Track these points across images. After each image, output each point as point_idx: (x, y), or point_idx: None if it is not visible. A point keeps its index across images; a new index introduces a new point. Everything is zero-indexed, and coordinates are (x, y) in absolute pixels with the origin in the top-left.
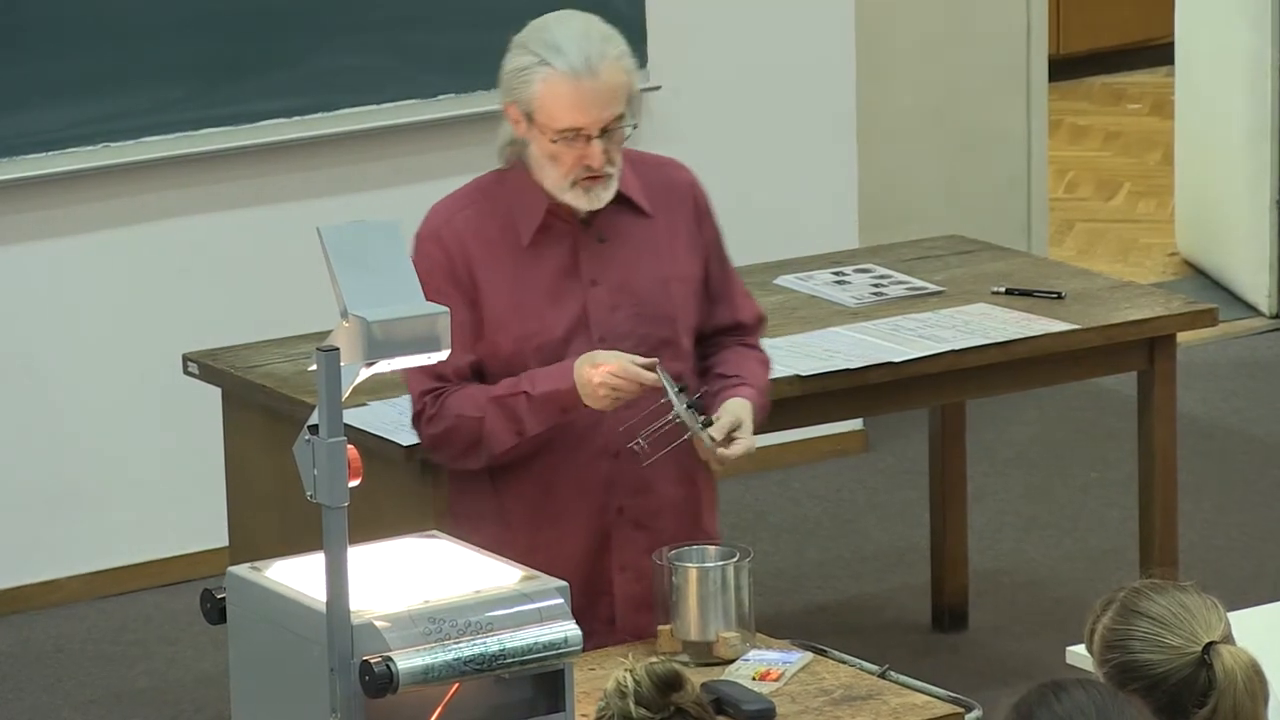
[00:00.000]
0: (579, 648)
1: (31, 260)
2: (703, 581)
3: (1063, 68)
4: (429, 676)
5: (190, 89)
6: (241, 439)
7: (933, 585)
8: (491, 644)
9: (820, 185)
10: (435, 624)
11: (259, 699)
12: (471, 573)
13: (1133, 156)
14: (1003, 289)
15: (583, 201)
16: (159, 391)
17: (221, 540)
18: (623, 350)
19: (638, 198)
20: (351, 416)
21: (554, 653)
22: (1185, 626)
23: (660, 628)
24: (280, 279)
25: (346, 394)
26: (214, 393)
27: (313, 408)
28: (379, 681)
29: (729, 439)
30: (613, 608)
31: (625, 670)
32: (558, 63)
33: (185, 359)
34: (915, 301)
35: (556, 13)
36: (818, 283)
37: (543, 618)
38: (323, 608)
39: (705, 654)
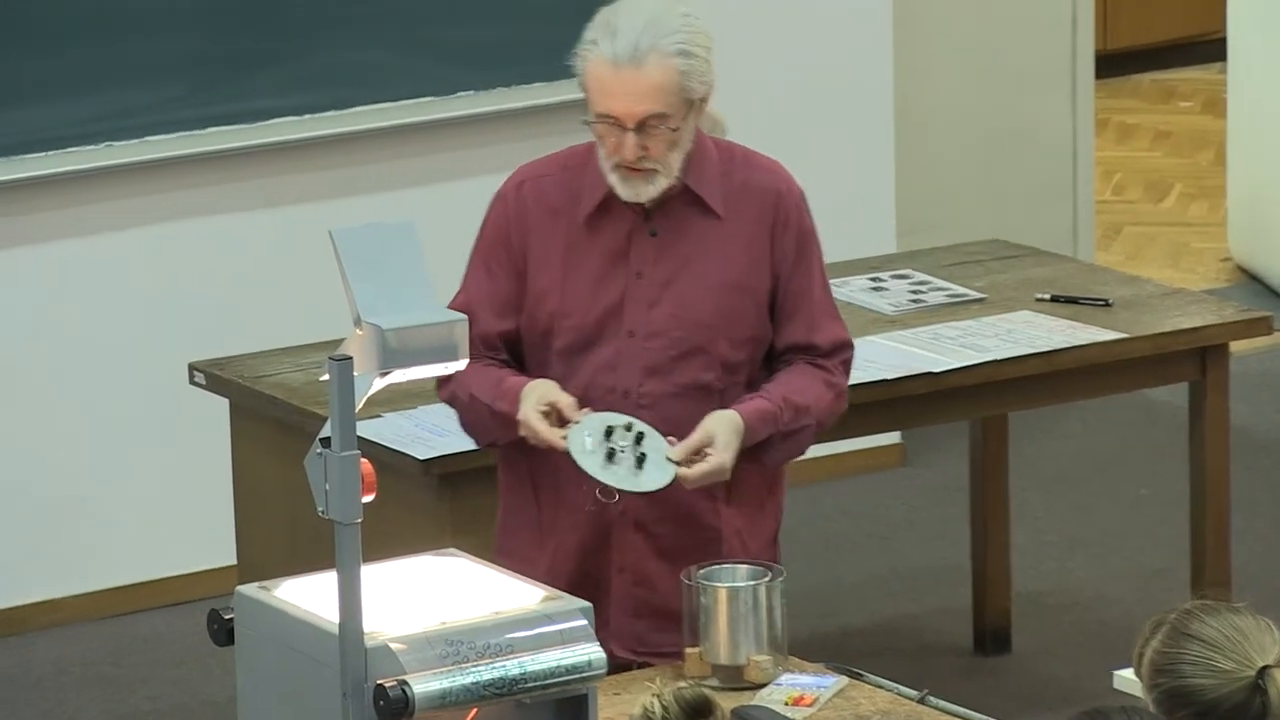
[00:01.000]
0: (603, 671)
1: (28, 265)
2: (733, 602)
3: (1110, 64)
4: (446, 701)
5: (195, 85)
6: (250, 452)
7: (973, 606)
8: (512, 667)
9: (856, 187)
10: (453, 646)
11: None
12: (491, 592)
13: (1183, 157)
14: (1047, 296)
15: (622, 190)
16: (163, 402)
17: (229, 558)
18: (653, 348)
19: (711, 197)
20: (365, 429)
21: (577, 676)
22: (1238, 650)
23: (688, 650)
24: (290, 285)
25: (360, 405)
26: (221, 404)
27: (324, 419)
28: (394, 706)
29: (696, 457)
30: (608, 610)
31: (653, 695)
32: (605, 46)
33: (191, 368)
34: (955, 309)
35: None
36: (853, 289)
37: (565, 640)
38: (335, 629)
39: (735, 678)
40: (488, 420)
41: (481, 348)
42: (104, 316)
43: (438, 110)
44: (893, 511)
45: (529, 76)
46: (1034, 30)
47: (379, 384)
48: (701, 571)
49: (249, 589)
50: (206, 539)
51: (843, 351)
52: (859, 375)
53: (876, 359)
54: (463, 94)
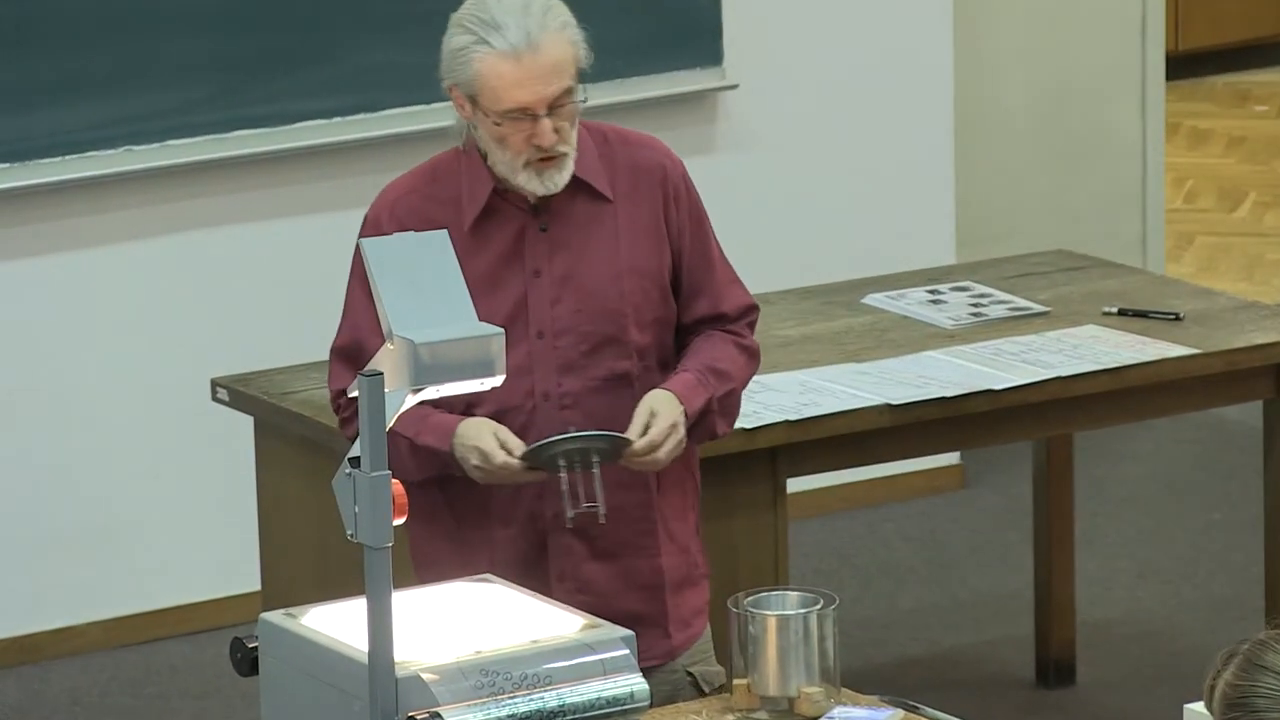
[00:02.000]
0: (646, 703)
1: (44, 274)
2: (783, 631)
3: (1181, 66)
4: None
5: (220, 87)
6: (275, 472)
7: (1037, 636)
8: (550, 699)
9: (914, 195)
10: (488, 676)
11: None
12: (528, 620)
13: (1259, 163)
14: (1115, 309)
15: (536, 185)
16: (184, 420)
17: (253, 584)
18: (564, 346)
19: (597, 181)
20: None
21: (619, 709)
22: None
23: (736, 682)
24: (318, 297)
25: (391, 423)
26: (245, 421)
27: (354, 439)
28: None
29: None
30: None
31: None
32: (496, 41)
33: (214, 384)
34: (1018, 323)
35: None
36: (911, 302)
37: (606, 670)
38: (364, 658)
39: (786, 710)
40: (405, 456)
41: None
42: (123, 329)
43: None
44: (952, 536)
45: None
46: (1102, 31)
47: (411, 401)
48: (750, 599)
49: (274, 616)
50: (229, 563)
51: (749, 314)
52: (917, 393)
53: (934, 376)
54: None
